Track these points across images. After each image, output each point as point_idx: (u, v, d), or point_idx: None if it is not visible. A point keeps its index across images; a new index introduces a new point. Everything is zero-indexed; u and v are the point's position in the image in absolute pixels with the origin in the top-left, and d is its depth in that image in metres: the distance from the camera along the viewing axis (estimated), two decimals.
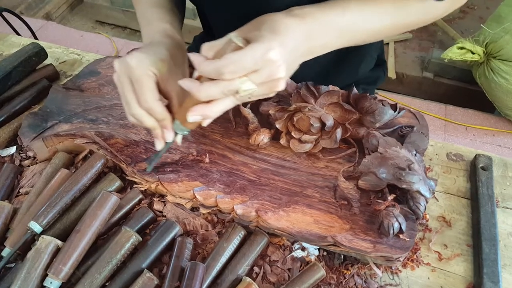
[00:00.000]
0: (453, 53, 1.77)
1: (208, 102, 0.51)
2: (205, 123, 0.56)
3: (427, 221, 0.70)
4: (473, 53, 1.77)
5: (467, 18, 2.56)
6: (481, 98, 1.99)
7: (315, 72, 0.89)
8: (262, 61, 0.47)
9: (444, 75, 2.23)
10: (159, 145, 0.61)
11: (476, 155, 0.76)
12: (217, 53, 0.50)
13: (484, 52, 1.78)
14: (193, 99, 0.52)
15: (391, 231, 0.61)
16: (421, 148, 0.72)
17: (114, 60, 0.57)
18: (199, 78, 0.52)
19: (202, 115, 0.52)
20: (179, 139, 0.62)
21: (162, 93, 0.58)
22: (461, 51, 1.77)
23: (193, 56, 0.49)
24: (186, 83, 0.51)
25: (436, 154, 0.80)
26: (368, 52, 0.92)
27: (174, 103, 0.59)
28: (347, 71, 0.92)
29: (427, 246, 0.67)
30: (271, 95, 0.52)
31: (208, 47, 0.50)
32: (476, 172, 0.74)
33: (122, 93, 0.57)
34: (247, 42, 0.49)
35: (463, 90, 2.20)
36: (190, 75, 0.55)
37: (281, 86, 0.51)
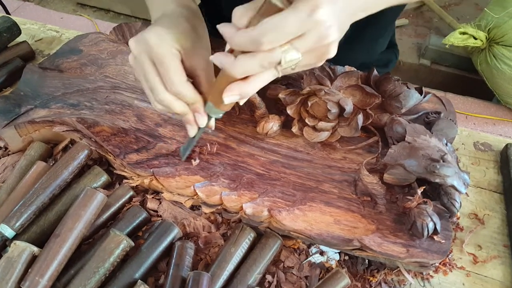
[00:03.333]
0: (455, 39, 1.70)
1: (244, 78, 0.43)
2: (241, 102, 0.48)
3: (458, 219, 0.62)
4: (475, 38, 1.70)
5: (463, 4, 2.50)
6: (479, 86, 1.94)
7: None
8: (308, 23, 0.38)
9: (441, 62, 2.17)
10: (192, 131, 0.54)
11: (507, 144, 0.69)
12: (253, 19, 0.41)
13: (486, 38, 1.72)
14: (226, 76, 0.45)
15: (425, 232, 0.53)
16: (449, 137, 0.64)
17: (130, 39, 0.49)
18: (232, 51, 0.44)
19: (239, 94, 0.44)
20: (212, 122, 0.54)
21: (187, 71, 0.50)
22: (463, 37, 1.70)
23: (223, 27, 0.41)
24: (219, 58, 0.43)
25: (463, 144, 0.72)
26: (385, 29, 0.84)
27: (202, 81, 0.51)
28: (361, 48, 0.83)
29: (460, 248, 0.59)
30: (319, 64, 0.44)
31: (241, 13, 0.41)
32: (508, 163, 0.66)
33: (144, 78, 0.49)
34: (288, 2, 0.40)
35: (461, 77, 2.15)
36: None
37: (332, 52, 0.42)
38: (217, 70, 0.47)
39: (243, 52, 0.41)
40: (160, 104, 0.51)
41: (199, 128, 0.54)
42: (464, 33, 1.70)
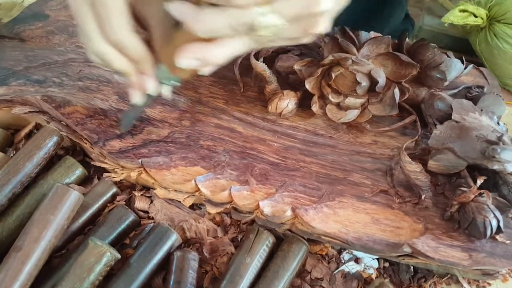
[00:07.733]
0: (455, 17, 1.59)
1: (209, 39, 0.33)
2: (204, 72, 0.37)
3: (510, 213, 0.52)
4: (475, 16, 1.62)
5: None
6: None
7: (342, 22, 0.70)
8: None
9: (436, 44, 2.08)
10: (136, 98, 0.43)
11: None
12: None
13: (487, 16, 1.63)
14: (186, 33, 0.34)
15: (488, 232, 0.42)
16: (497, 115, 0.54)
17: None
18: (197, 2, 0.33)
19: (198, 58, 0.34)
20: (166, 91, 0.42)
21: (139, 22, 0.38)
22: (463, 14, 1.60)
23: None
24: (177, 8, 0.32)
25: (504, 123, 0.62)
26: (400, 2, 0.75)
27: (156, 35, 0.39)
28: (379, 21, 0.73)
29: None
30: (304, 40, 0.34)
31: None
32: None
33: (81, 23, 0.37)
34: None
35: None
36: None
37: (322, 26, 0.33)
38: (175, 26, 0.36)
39: (211, 5, 0.31)
40: (96, 56, 0.39)
41: (147, 95, 0.43)
42: (464, 11, 1.61)
